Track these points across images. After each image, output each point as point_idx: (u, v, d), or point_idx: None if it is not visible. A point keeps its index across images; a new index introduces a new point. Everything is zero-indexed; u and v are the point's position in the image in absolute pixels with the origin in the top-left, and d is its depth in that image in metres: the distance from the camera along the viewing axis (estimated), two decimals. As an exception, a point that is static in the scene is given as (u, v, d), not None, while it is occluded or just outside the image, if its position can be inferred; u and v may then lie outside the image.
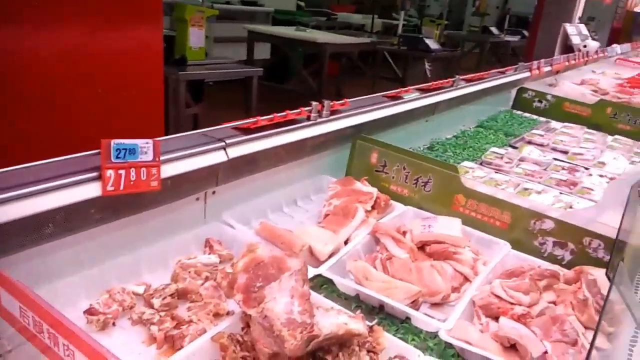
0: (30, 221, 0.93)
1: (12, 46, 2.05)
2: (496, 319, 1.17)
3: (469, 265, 1.37)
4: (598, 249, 1.37)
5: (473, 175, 2.12)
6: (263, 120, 1.48)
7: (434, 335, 1.13)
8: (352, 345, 1.00)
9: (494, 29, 11.40)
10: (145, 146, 1.08)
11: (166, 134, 1.40)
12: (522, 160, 2.36)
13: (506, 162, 2.28)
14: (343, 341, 0.99)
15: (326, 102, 1.71)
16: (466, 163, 2.27)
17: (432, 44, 6.24)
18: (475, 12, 14.25)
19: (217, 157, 1.32)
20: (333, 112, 1.80)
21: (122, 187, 1.04)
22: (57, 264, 1.02)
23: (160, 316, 1.02)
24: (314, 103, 1.66)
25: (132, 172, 1.06)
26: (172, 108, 3.26)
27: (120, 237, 1.16)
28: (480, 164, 2.31)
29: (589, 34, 6.30)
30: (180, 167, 1.23)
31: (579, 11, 7.78)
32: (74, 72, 2.29)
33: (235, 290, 1.00)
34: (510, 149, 2.54)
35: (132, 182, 1.06)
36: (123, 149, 1.04)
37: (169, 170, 1.20)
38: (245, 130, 1.43)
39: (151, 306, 1.05)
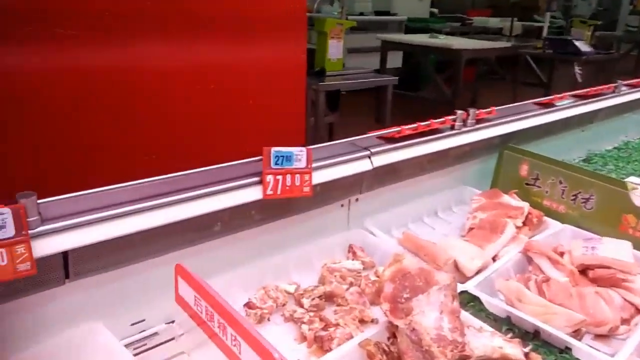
0: (203, 219, 1.03)
1: (168, 62, 2.30)
2: (681, 361, 1.00)
3: (642, 295, 1.20)
4: None
5: (642, 193, 1.86)
6: (407, 129, 1.46)
7: (601, 370, 1.00)
8: (507, 371, 0.94)
9: (658, 28, 9.96)
10: (299, 154, 1.14)
11: (305, 142, 1.46)
12: None
13: (685, 179, 1.96)
14: (497, 365, 0.93)
15: (471, 111, 1.64)
16: (632, 178, 2.00)
17: (583, 47, 5.64)
18: (634, 11, 12.61)
19: (362, 166, 1.33)
20: (479, 121, 1.72)
21: (279, 191, 1.10)
22: (221, 258, 1.11)
23: (310, 316, 1.06)
24: (458, 112, 1.60)
25: (288, 178, 1.12)
26: (312, 117, 3.41)
27: (274, 238, 1.23)
28: (650, 179, 2.02)
29: None
30: (328, 175, 1.27)
31: None
32: (228, 85, 2.51)
33: (382, 299, 0.99)
34: (688, 164, 2.19)
35: (287, 188, 1.12)
36: (281, 156, 1.10)
37: (318, 177, 1.24)
38: (390, 140, 1.43)
39: (301, 305, 1.10)
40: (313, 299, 1.11)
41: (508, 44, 6.28)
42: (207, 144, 2.50)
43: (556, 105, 2.03)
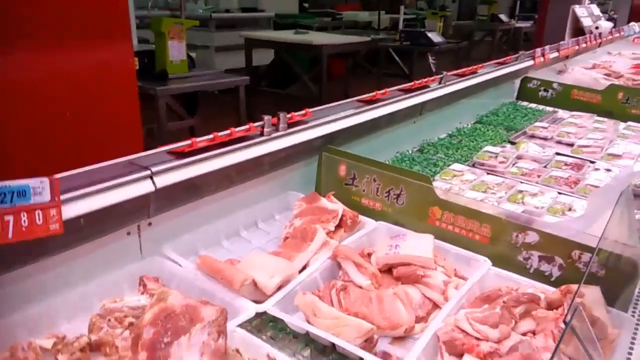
0: None
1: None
2: (462, 356, 1.00)
3: (439, 289, 1.20)
4: (590, 263, 1.18)
5: (462, 180, 1.94)
6: (202, 141, 1.34)
7: (388, 381, 0.97)
8: (280, 406, 0.85)
9: (502, 16, 11.03)
10: (39, 186, 0.95)
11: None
12: (519, 158, 2.16)
13: (500, 162, 2.09)
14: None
15: (282, 115, 1.57)
16: (456, 165, 2.09)
17: (435, 37, 6.00)
18: (483, 0, 13.88)
19: (143, 188, 1.18)
20: (294, 124, 1.65)
21: (10, 235, 0.91)
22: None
23: (62, 379, 0.89)
24: (266, 117, 1.51)
25: (24, 216, 0.93)
26: (155, 124, 3.17)
27: (36, 283, 1.04)
28: (472, 165, 2.12)
29: (601, 15, 5.97)
30: (95, 203, 1.09)
31: (590, -9, 7.44)
32: (37, 96, 2.20)
33: (139, 348, 0.86)
34: (508, 147, 2.34)
35: (24, 229, 0.93)
36: (9, 192, 0.91)
37: (83, 206, 1.07)
38: (180, 154, 1.29)
39: (54, 366, 0.92)
40: (72, 354, 0.94)
41: (368, 38, 6.48)
42: (14, 165, 2.18)
43: (379, 102, 2.04)
